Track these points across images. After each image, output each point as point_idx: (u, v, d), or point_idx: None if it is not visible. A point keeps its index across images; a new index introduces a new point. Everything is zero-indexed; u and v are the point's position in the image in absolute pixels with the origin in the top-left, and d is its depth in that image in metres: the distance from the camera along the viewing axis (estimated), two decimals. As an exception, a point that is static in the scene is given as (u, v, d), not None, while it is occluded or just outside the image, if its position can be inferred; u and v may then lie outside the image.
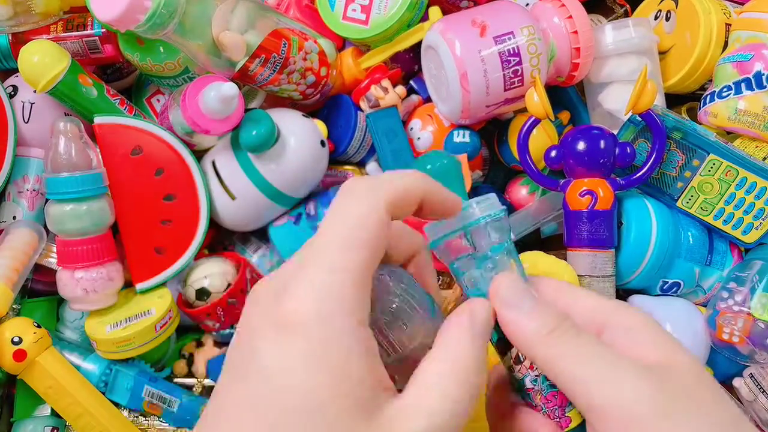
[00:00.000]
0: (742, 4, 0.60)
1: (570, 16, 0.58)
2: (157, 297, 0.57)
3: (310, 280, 0.25)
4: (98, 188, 0.54)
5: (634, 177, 0.55)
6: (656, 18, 0.64)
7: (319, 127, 0.61)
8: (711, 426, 0.26)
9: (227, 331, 0.61)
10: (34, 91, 0.56)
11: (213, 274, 0.58)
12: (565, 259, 0.55)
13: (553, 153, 0.57)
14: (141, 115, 0.59)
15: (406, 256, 0.32)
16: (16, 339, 0.51)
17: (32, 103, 0.58)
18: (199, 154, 0.60)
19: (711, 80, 0.61)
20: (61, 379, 0.52)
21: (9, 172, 0.57)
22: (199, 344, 0.64)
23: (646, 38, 0.60)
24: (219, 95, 0.53)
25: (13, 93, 0.58)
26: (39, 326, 0.52)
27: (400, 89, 0.62)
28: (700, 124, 0.59)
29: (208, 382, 0.62)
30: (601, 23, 0.66)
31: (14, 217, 0.57)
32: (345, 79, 0.64)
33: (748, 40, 0.56)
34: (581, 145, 0.54)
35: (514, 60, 0.55)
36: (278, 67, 0.56)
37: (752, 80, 0.55)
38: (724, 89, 0.57)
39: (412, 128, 0.64)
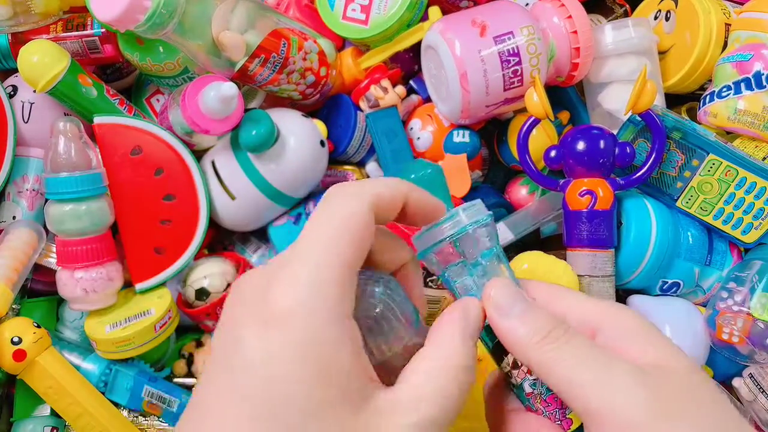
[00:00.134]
0: (742, 4, 0.60)
1: (570, 16, 0.58)
2: (156, 297, 0.57)
3: (296, 275, 0.25)
4: (98, 188, 0.53)
5: (634, 177, 0.55)
6: (656, 18, 0.64)
7: (319, 127, 0.61)
8: (706, 429, 0.25)
9: (227, 331, 0.61)
10: (34, 91, 0.56)
11: (213, 274, 0.58)
12: (565, 259, 0.55)
13: (553, 153, 0.57)
14: (141, 115, 0.59)
15: (394, 266, 0.32)
16: (15, 339, 0.51)
17: (32, 103, 0.58)
18: (198, 154, 0.60)
19: (710, 80, 0.61)
20: (61, 379, 0.52)
21: (9, 172, 0.57)
22: (199, 344, 0.63)
23: (645, 38, 0.60)
24: (219, 95, 0.53)
25: (12, 93, 0.58)
26: (39, 326, 0.52)
27: (400, 89, 0.62)
28: (700, 124, 0.59)
29: (207, 382, 0.62)
30: (601, 23, 0.66)
31: (14, 217, 0.57)
32: (345, 79, 0.64)
33: (748, 40, 0.56)
34: (581, 145, 0.54)
35: (513, 60, 0.55)
36: (278, 67, 0.56)
37: (752, 80, 0.55)
38: (724, 89, 0.57)
39: (411, 128, 0.64)
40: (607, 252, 0.55)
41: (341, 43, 0.66)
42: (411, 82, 0.66)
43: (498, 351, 0.31)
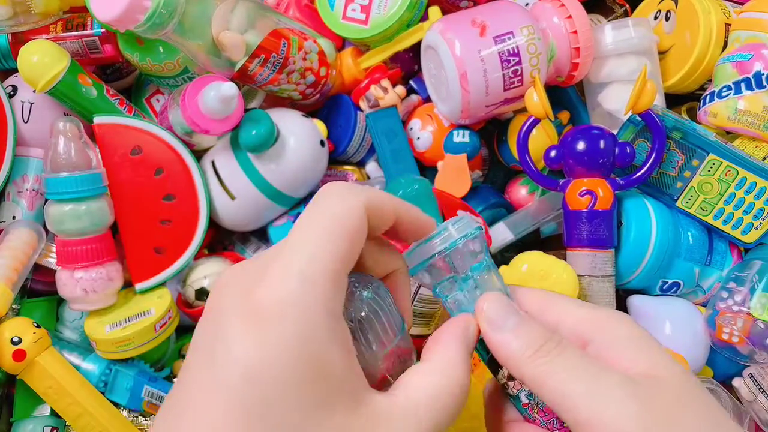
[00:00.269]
0: (742, 4, 0.60)
1: (570, 16, 0.58)
2: (156, 297, 0.57)
3: (288, 269, 0.24)
4: (98, 188, 0.53)
5: (634, 177, 0.55)
6: (656, 18, 0.64)
7: (319, 126, 0.61)
8: None
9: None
10: (34, 91, 0.56)
11: (213, 274, 0.58)
12: (565, 259, 0.55)
13: (553, 153, 0.57)
14: (141, 115, 0.59)
15: (383, 272, 0.31)
16: (15, 339, 0.50)
17: (32, 103, 0.58)
18: (198, 154, 0.60)
19: (711, 80, 0.61)
20: (61, 379, 0.52)
21: (8, 172, 0.57)
22: (199, 344, 0.63)
23: (645, 38, 0.60)
24: (218, 95, 0.53)
25: (12, 93, 0.58)
26: (38, 326, 0.52)
27: (400, 89, 0.62)
28: (700, 124, 0.59)
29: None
30: (601, 23, 0.66)
31: (14, 217, 0.57)
32: (345, 79, 0.64)
33: (748, 40, 0.56)
34: (581, 145, 0.54)
35: (513, 60, 0.55)
36: (278, 67, 0.56)
37: (752, 80, 0.55)
38: (724, 89, 0.57)
39: (411, 128, 0.64)
40: (607, 252, 0.55)
41: (341, 43, 0.66)
42: (411, 82, 0.66)
43: (493, 363, 0.31)
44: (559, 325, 0.29)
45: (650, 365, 0.27)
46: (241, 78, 0.57)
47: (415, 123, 0.63)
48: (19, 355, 0.50)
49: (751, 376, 0.54)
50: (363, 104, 0.62)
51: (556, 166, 0.57)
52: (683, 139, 0.55)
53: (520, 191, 0.66)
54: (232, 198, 0.59)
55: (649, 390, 0.26)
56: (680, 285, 0.57)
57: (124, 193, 0.56)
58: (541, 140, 0.61)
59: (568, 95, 0.67)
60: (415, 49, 0.62)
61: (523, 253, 0.55)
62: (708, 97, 0.59)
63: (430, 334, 0.47)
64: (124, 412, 0.56)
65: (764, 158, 0.57)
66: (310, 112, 0.64)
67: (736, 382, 0.55)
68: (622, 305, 0.58)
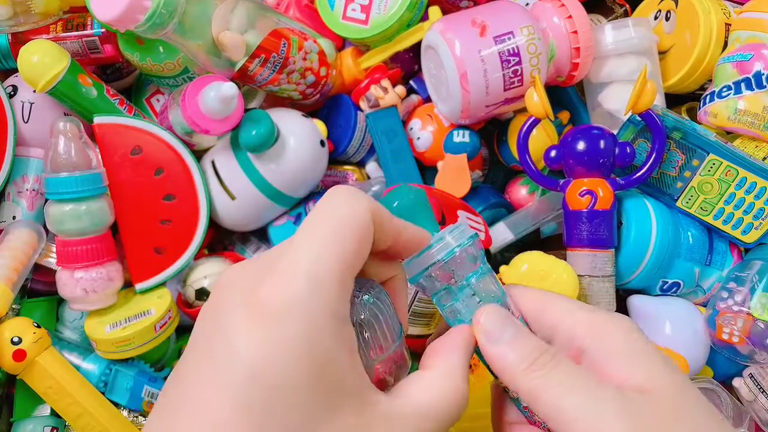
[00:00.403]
0: (742, 4, 0.60)
1: (570, 16, 0.58)
2: (156, 297, 0.57)
3: (295, 268, 0.24)
4: (98, 188, 0.53)
5: (634, 177, 0.55)
6: (656, 18, 0.64)
7: (319, 127, 0.61)
8: None
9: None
10: (34, 91, 0.56)
11: (213, 274, 0.58)
12: (565, 259, 0.55)
13: (553, 153, 0.57)
14: (141, 115, 0.59)
15: (382, 278, 0.31)
16: (15, 339, 0.51)
17: (32, 103, 0.58)
18: (198, 154, 0.60)
19: (711, 80, 0.61)
20: (61, 379, 0.52)
21: (9, 172, 0.57)
22: (199, 344, 0.63)
23: (645, 38, 0.60)
24: (219, 95, 0.53)
25: (12, 93, 0.58)
26: (38, 326, 0.52)
27: (400, 89, 0.62)
28: (700, 124, 0.59)
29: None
30: (601, 23, 0.66)
31: (14, 217, 0.57)
32: (345, 79, 0.64)
33: (748, 40, 0.56)
34: (581, 145, 0.54)
35: (513, 60, 0.55)
36: (278, 67, 0.56)
37: (752, 80, 0.55)
38: (724, 89, 0.57)
39: (411, 128, 0.64)
40: (607, 252, 0.55)
41: (341, 43, 0.66)
42: (411, 82, 0.66)
43: None
44: (558, 326, 0.29)
45: (646, 377, 0.27)
46: (241, 78, 0.57)
47: (415, 123, 0.63)
48: (19, 355, 0.50)
49: (751, 376, 0.54)
50: (363, 104, 0.62)
51: (556, 166, 0.57)
52: (683, 139, 0.55)
53: (520, 191, 0.66)
54: (232, 198, 0.59)
55: (644, 405, 0.26)
56: (680, 285, 0.57)
57: (124, 193, 0.56)
58: (541, 140, 0.61)
59: (568, 95, 0.67)
60: (415, 49, 0.62)
61: (523, 253, 0.55)
62: (708, 97, 0.59)
63: (430, 334, 0.47)
64: (124, 412, 0.56)
65: (764, 158, 0.57)
66: (310, 112, 0.64)
67: (736, 382, 0.55)
68: (622, 305, 0.58)
